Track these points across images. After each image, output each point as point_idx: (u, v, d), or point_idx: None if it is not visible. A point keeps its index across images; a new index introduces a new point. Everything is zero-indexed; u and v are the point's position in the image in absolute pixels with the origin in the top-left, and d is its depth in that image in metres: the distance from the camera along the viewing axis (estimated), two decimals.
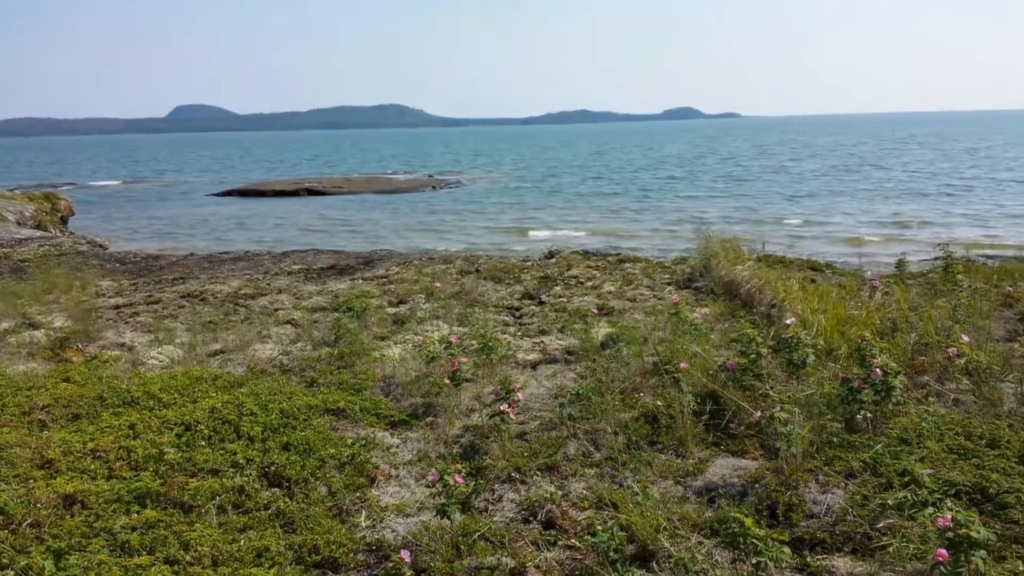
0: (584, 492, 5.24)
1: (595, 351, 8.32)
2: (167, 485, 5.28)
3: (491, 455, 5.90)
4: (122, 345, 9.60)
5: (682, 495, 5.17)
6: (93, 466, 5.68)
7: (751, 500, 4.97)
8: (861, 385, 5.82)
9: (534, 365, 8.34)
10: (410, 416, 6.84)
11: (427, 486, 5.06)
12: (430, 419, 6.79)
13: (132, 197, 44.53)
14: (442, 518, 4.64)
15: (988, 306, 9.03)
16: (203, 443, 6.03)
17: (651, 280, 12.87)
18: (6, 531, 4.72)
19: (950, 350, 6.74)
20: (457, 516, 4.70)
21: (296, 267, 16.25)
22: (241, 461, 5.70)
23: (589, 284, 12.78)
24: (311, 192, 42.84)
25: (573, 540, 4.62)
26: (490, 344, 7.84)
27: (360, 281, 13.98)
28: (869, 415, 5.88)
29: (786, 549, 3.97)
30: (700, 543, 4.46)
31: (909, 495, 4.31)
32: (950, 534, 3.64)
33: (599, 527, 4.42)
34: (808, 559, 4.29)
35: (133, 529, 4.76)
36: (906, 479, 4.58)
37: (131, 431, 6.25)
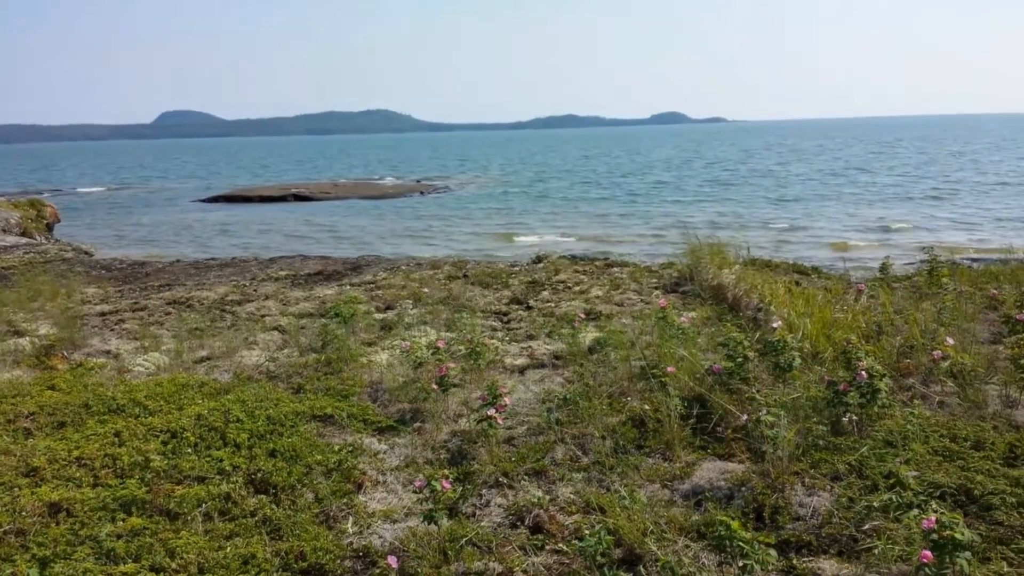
0: (572, 496, 5.25)
1: (583, 356, 8.33)
2: (153, 492, 5.26)
3: (479, 460, 5.90)
4: (108, 352, 9.55)
5: (669, 499, 5.18)
6: (78, 474, 5.66)
7: (738, 503, 4.99)
8: (847, 388, 5.85)
9: (522, 370, 8.35)
10: (397, 422, 6.83)
11: (414, 492, 5.06)
12: (418, 425, 6.79)
13: (118, 204, 44.32)
14: (429, 524, 4.64)
15: (973, 309, 9.09)
16: (189, 450, 6.01)
17: (639, 284, 12.90)
18: None
19: (935, 353, 6.77)
20: (444, 521, 4.70)
21: (283, 273, 16.22)
22: (227, 468, 5.69)
23: (577, 289, 12.80)
24: (298, 198, 42.71)
25: (561, 545, 4.62)
26: (478, 349, 7.84)
27: (347, 287, 13.97)
28: (855, 418, 5.91)
29: (772, 552, 3.98)
30: (687, 546, 4.46)
31: (894, 497, 4.33)
32: (935, 536, 3.66)
33: (587, 531, 4.42)
34: (794, 561, 4.31)
35: (119, 537, 4.74)
36: (891, 481, 4.60)
37: (117, 438, 6.22)
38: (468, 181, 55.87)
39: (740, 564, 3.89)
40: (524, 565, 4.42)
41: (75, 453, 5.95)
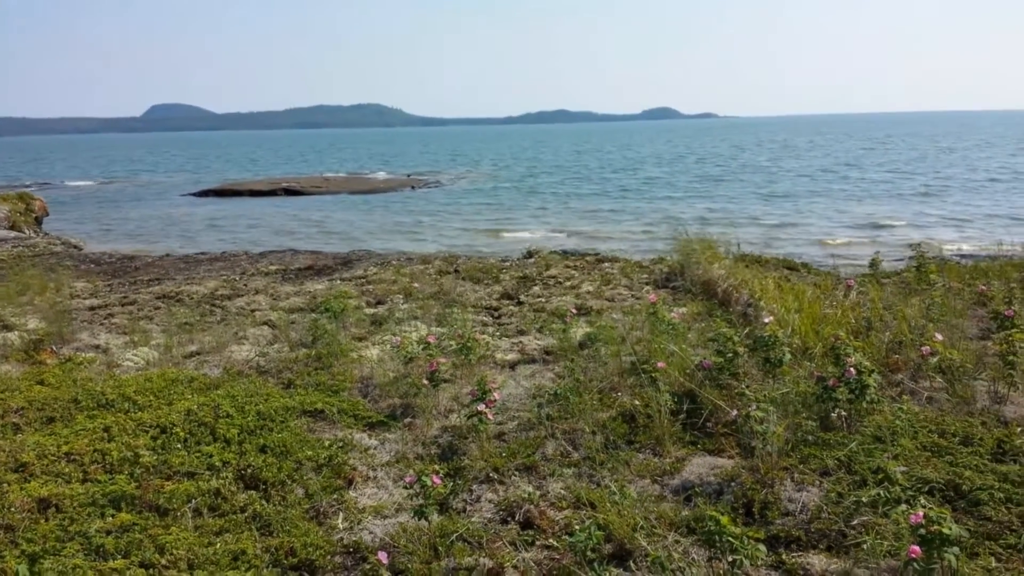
0: (562, 492, 5.26)
1: (573, 351, 8.34)
2: (142, 488, 5.25)
3: (469, 456, 5.90)
4: (97, 347, 9.52)
5: (659, 494, 5.19)
6: (67, 469, 5.64)
7: (727, 498, 5.00)
8: (836, 383, 5.87)
9: (512, 365, 8.35)
10: (388, 417, 6.83)
11: (405, 487, 5.06)
12: (408, 420, 6.78)
13: (107, 197, 44.13)
14: (420, 519, 4.64)
15: (962, 305, 9.13)
16: (179, 446, 6.00)
17: (629, 280, 12.92)
18: None
19: (924, 348, 6.80)
20: (435, 517, 4.70)
21: (273, 268, 16.18)
22: (217, 464, 5.68)
23: (568, 284, 12.80)
24: (289, 192, 42.60)
25: (551, 540, 4.63)
26: (468, 344, 7.84)
27: (338, 282, 13.94)
28: (844, 413, 5.93)
29: (762, 547, 3.99)
30: (677, 541, 4.48)
31: (883, 492, 4.35)
32: (923, 531, 3.68)
33: (577, 527, 4.43)
34: (783, 556, 4.33)
35: (108, 533, 4.73)
36: (880, 476, 4.62)
37: (106, 434, 6.20)
38: (459, 176, 55.83)
39: (729, 559, 3.90)
40: (514, 560, 4.43)
41: (64, 448, 5.93)
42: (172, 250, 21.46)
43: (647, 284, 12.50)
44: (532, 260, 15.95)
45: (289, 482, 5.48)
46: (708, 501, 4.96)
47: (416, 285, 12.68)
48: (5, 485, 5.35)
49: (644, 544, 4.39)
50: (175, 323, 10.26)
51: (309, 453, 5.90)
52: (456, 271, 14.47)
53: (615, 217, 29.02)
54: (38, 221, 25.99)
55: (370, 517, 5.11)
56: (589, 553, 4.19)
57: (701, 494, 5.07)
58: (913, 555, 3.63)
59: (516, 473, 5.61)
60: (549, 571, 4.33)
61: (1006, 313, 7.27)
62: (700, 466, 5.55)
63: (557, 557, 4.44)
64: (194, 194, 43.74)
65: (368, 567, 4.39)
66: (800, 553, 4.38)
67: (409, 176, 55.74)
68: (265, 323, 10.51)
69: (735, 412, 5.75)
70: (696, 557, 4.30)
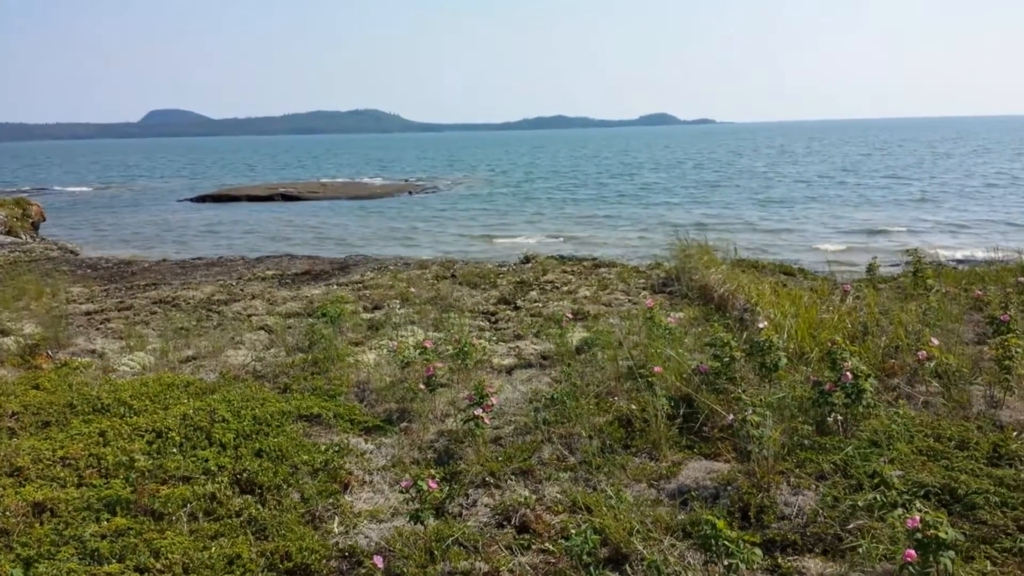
0: (558, 496, 5.25)
1: (570, 355, 8.34)
2: (138, 492, 5.24)
3: (466, 460, 5.90)
4: (93, 352, 9.51)
5: (655, 498, 5.19)
6: (63, 474, 5.63)
7: (723, 502, 5.00)
8: (832, 388, 5.87)
9: (509, 370, 8.35)
10: (384, 422, 6.82)
11: (401, 492, 5.05)
12: (405, 424, 6.78)
13: (104, 203, 44.08)
14: (416, 523, 4.64)
15: (958, 309, 9.14)
16: (174, 450, 5.99)
17: (626, 285, 12.93)
18: None
19: (920, 353, 6.80)
20: (431, 521, 4.69)
21: (270, 273, 16.18)
22: (213, 468, 5.67)
23: (565, 289, 12.81)
24: (286, 197, 42.56)
25: (547, 544, 4.62)
26: (465, 349, 7.84)
27: (335, 287, 13.94)
28: (840, 417, 5.94)
29: (758, 551, 4.00)
30: (673, 545, 4.47)
31: (879, 496, 4.35)
32: (919, 535, 3.68)
33: (573, 531, 4.43)
34: (779, 560, 4.32)
35: (103, 537, 4.72)
36: (876, 480, 4.62)
37: (101, 438, 6.19)
38: (456, 182, 55.82)
39: (725, 563, 3.90)
40: (510, 565, 4.42)
41: (60, 453, 5.92)
42: (169, 255, 21.43)
43: (644, 289, 12.51)
44: (529, 265, 15.96)
45: (285, 486, 5.47)
46: (704, 505, 4.95)
47: (413, 290, 12.68)
48: (0, 489, 5.34)
49: (640, 548, 4.39)
50: (171, 328, 10.25)
51: (305, 457, 5.89)
52: (453, 276, 14.47)
53: (612, 222, 29.03)
54: (35, 226, 25.96)
55: (366, 521, 5.10)
56: (585, 557, 4.19)
57: (697, 498, 5.07)
58: (909, 559, 3.63)
59: (512, 477, 5.60)
60: (545, 575, 4.33)
61: (1002, 318, 7.27)
62: (696, 470, 5.55)
63: (553, 561, 4.44)
64: (191, 199, 43.70)
65: (364, 571, 4.39)
66: (796, 557, 4.38)
67: (406, 182, 55.74)
68: (262, 328, 10.51)
69: (731, 416, 5.74)
70: (692, 561, 4.30)
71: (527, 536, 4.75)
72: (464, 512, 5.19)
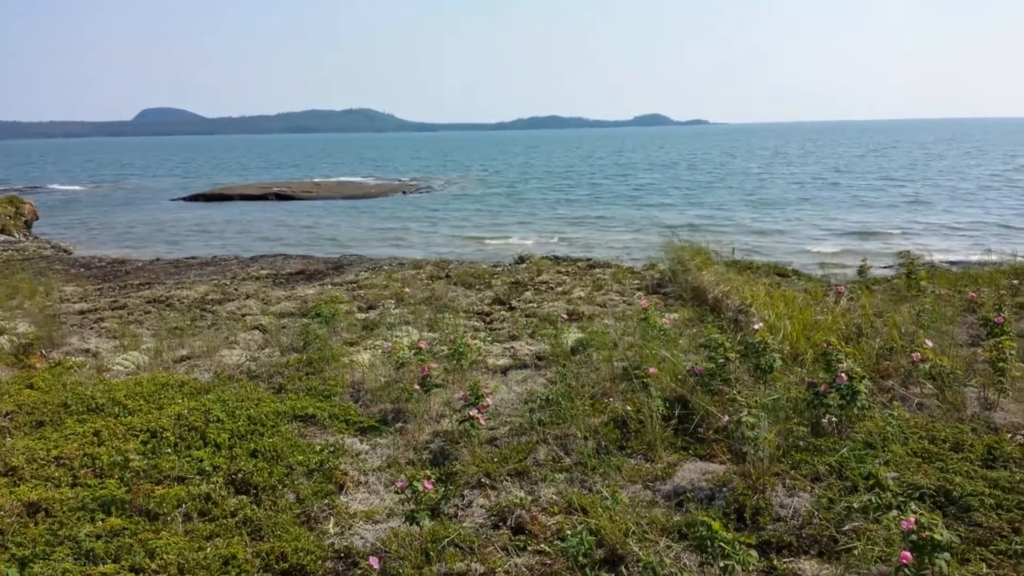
0: (554, 497, 5.25)
1: (565, 356, 8.34)
2: (132, 493, 5.22)
3: (461, 461, 5.90)
4: (87, 351, 9.49)
5: (651, 499, 5.19)
6: (57, 473, 5.62)
7: (719, 504, 5.01)
8: (827, 389, 5.88)
9: (504, 370, 8.35)
10: (379, 422, 6.82)
11: (396, 492, 5.05)
12: (400, 425, 6.77)
13: (98, 201, 43.94)
14: (411, 524, 4.63)
15: (952, 311, 9.17)
16: (169, 450, 5.98)
17: (621, 285, 12.94)
18: None
19: (914, 355, 6.83)
20: (426, 522, 4.69)
21: (264, 272, 16.16)
22: (208, 468, 5.66)
23: (559, 289, 12.81)
24: (280, 197, 42.47)
25: (543, 545, 4.62)
26: (460, 350, 7.84)
27: (329, 286, 13.93)
28: (835, 419, 5.95)
29: (753, 552, 4.00)
30: (668, 547, 4.48)
31: (874, 498, 4.36)
32: (914, 537, 3.69)
33: (569, 532, 4.43)
34: (775, 562, 4.33)
35: (98, 537, 4.70)
36: (871, 482, 4.63)
37: (96, 438, 6.18)
38: (450, 182, 55.78)
39: (721, 564, 3.91)
40: (506, 566, 4.42)
41: (54, 452, 5.91)
42: (162, 254, 21.37)
43: (638, 290, 12.52)
44: (524, 265, 15.97)
45: (280, 487, 5.46)
46: (700, 506, 4.96)
47: (408, 290, 12.67)
48: None
49: (636, 549, 4.39)
50: (165, 327, 10.23)
51: (300, 458, 5.88)
52: (448, 276, 14.47)
53: (606, 223, 29.04)
54: (28, 225, 25.89)
55: (361, 522, 5.10)
56: (581, 558, 4.19)
57: (693, 499, 5.07)
58: (904, 561, 3.64)
59: (508, 478, 5.60)
60: None
61: (995, 320, 7.30)
62: (692, 471, 5.56)
63: (549, 562, 4.44)
64: (184, 198, 43.58)
65: (359, 572, 4.39)
66: (791, 559, 4.39)
67: (400, 181, 55.69)
68: (256, 328, 10.49)
69: (727, 418, 5.75)
70: (688, 563, 4.30)
71: (523, 537, 4.75)
72: (460, 513, 5.18)
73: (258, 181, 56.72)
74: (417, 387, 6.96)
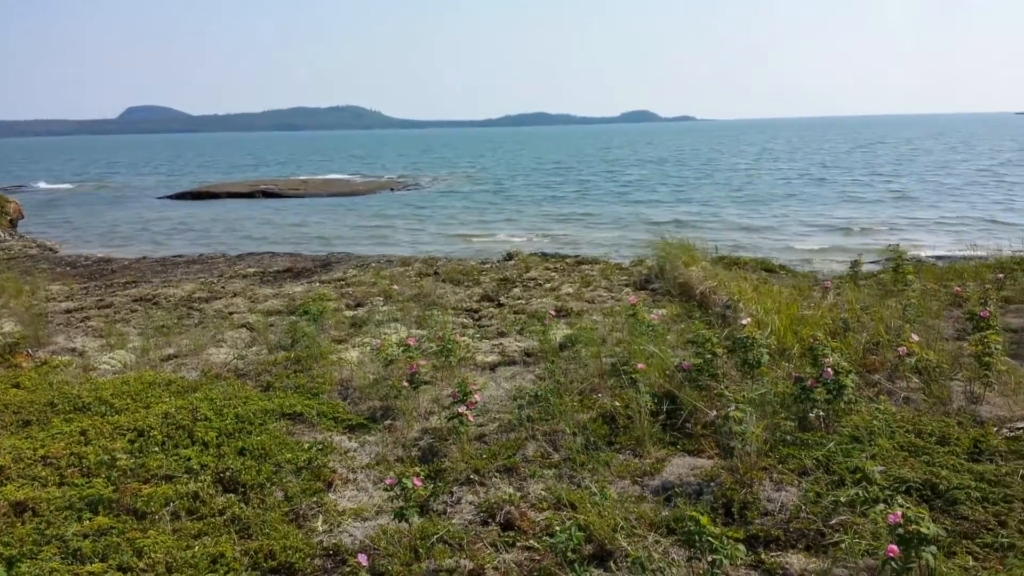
0: (543, 493, 5.26)
1: (554, 352, 8.35)
2: (120, 492, 5.20)
3: (450, 457, 5.90)
4: (73, 350, 9.43)
5: (639, 494, 5.20)
6: (44, 473, 5.59)
7: (707, 498, 5.02)
8: (814, 384, 5.90)
9: (493, 367, 8.35)
10: (368, 419, 6.81)
11: (385, 489, 5.04)
12: (388, 422, 6.77)
13: (83, 200, 43.70)
14: (400, 521, 4.63)
15: (938, 306, 9.22)
16: (156, 449, 5.96)
17: (609, 282, 12.95)
18: None
19: (900, 349, 6.86)
20: (415, 519, 4.68)
21: (251, 270, 16.10)
22: (195, 467, 5.64)
23: (548, 286, 12.81)
24: (267, 194, 42.33)
25: (532, 541, 4.63)
26: (449, 346, 7.84)
27: (317, 284, 13.89)
28: (822, 413, 5.97)
29: (741, 547, 4.01)
30: (657, 542, 4.49)
31: (861, 492, 4.38)
32: (901, 530, 3.71)
33: (557, 528, 4.43)
34: (763, 556, 4.35)
35: (85, 536, 4.68)
36: (858, 476, 4.66)
37: (83, 437, 6.15)
38: (438, 179, 55.72)
39: (709, 559, 3.91)
40: (495, 562, 4.43)
41: (40, 452, 5.88)
42: (148, 253, 21.28)
43: (627, 286, 12.53)
44: (512, 262, 15.96)
45: (268, 485, 5.45)
46: (688, 501, 4.97)
47: (396, 287, 12.65)
48: None
49: (624, 544, 4.40)
50: (152, 326, 10.19)
51: (288, 456, 5.87)
52: (436, 273, 14.45)
53: (594, 219, 29.07)
54: (13, 224, 25.72)
55: (350, 520, 5.09)
56: (570, 554, 4.20)
57: (681, 494, 5.09)
58: (891, 554, 3.65)
59: (497, 475, 5.60)
60: (530, 572, 4.33)
61: (981, 314, 7.34)
62: (680, 467, 5.57)
63: (538, 558, 4.44)
64: (170, 197, 43.38)
65: (348, 569, 4.38)
66: (779, 553, 4.40)
67: (388, 179, 55.58)
68: (243, 326, 10.45)
69: (714, 413, 5.77)
70: (676, 557, 4.31)
71: (512, 533, 4.75)
72: (449, 510, 5.18)
73: (245, 179, 56.54)
74: (406, 384, 6.95)
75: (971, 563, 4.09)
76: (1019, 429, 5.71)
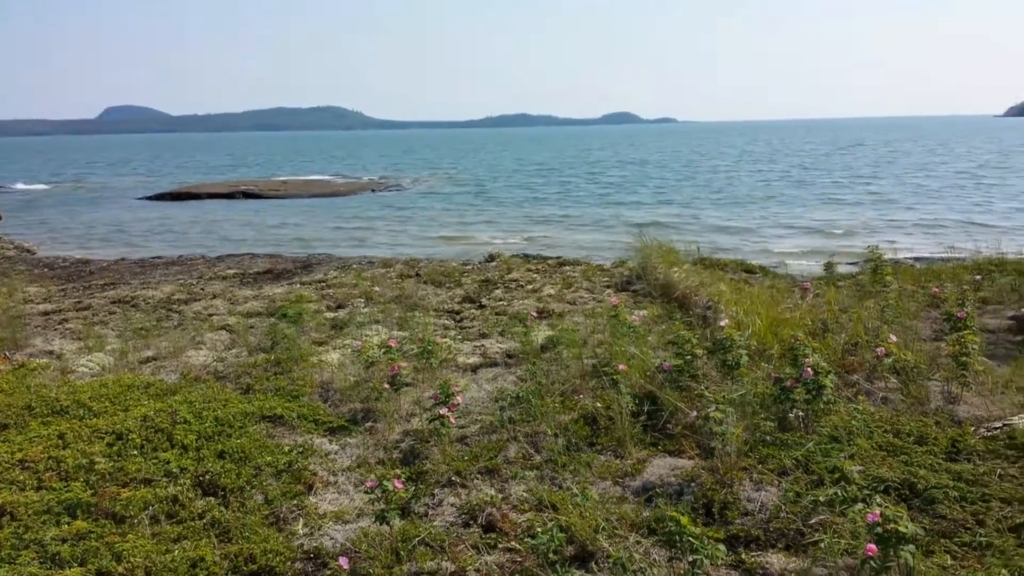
0: (524, 494, 5.26)
1: (535, 354, 8.36)
2: (98, 495, 5.16)
3: (431, 460, 5.89)
4: (51, 353, 9.36)
5: (620, 495, 5.22)
6: (22, 477, 5.54)
7: (687, 499, 5.05)
8: (793, 384, 5.94)
9: (474, 369, 8.35)
10: (349, 422, 6.79)
11: (366, 492, 5.03)
12: (369, 424, 6.75)
13: (62, 201, 43.30)
14: (381, 524, 4.62)
15: (915, 307, 9.30)
16: (135, 452, 5.91)
17: (590, 283, 12.98)
18: None
19: (879, 349, 6.91)
20: (397, 522, 4.68)
21: (231, 272, 16.02)
22: (175, 470, 5.60)
23: (529, 287, 12.83)
24: (247, 195, 42.08)
25: (513, 543, 4.63)
26: (430, 348, 7.82)
27: (298, 285, 13.84)
28: (801, 414, 6.01)
29: (721, 547, 4.03)
30: (638, 542, 4.50)
31: (840, 492, 4.41)
32: (879, 529, 3.73)
33: (539, 529, 4.43)
34: (743, 556, 4.37)
35: (64, 540, 4.65)
36: (837, 476, 4.69)
37: (61, 441, 6.10)
38: (419, 180, 55.60)
39: (690, 559, 3.93)
40: (477, 564, 4.43)
41: (18, 455, 5.82)
42: (127, 254, 21.11)
43: (608, 287, 12.57)
44: (494, 264, 15.96)
45: (248, 488, 5.43)
46: (669, 502, 4.99)
47: (377, 289, 12.63)
48: None
49: (606, 545, 4.41)
50: (130, 328, 10.12)
51: (268, 459, 5.84)
52: (418, 275, 14.43)
53: (575, 221, 29.10)
54: None
55: (331, 522, 5.07)
56: (551, 555, 4.20)
57: (662, 495, 5.10)
58: (870, 553, 3.68)
59: (478, 476, 5.60)
60: (511, 574, 4.34)
61: (958, 315, 7.41)
62: (661, 467, 5.59)
63: (519, 560, 4.44)
64: (150, 197, 43.06)
65: (329, 572, 4.37)
66: (759, 552, 4.43)
67: (369, 180, 55.41)
68: (223, 328, 10.40)
69: (695, 413, 5.80)
70: (657, 557, 4.33)
71: (493, 535, 4.75)
72: (430, 512, 5.18)
73: (225, 180, 56.21)
74: (387, 386, 6.94)
75: (949, 562, 4.13)
76: (996, 429, 5.76)
